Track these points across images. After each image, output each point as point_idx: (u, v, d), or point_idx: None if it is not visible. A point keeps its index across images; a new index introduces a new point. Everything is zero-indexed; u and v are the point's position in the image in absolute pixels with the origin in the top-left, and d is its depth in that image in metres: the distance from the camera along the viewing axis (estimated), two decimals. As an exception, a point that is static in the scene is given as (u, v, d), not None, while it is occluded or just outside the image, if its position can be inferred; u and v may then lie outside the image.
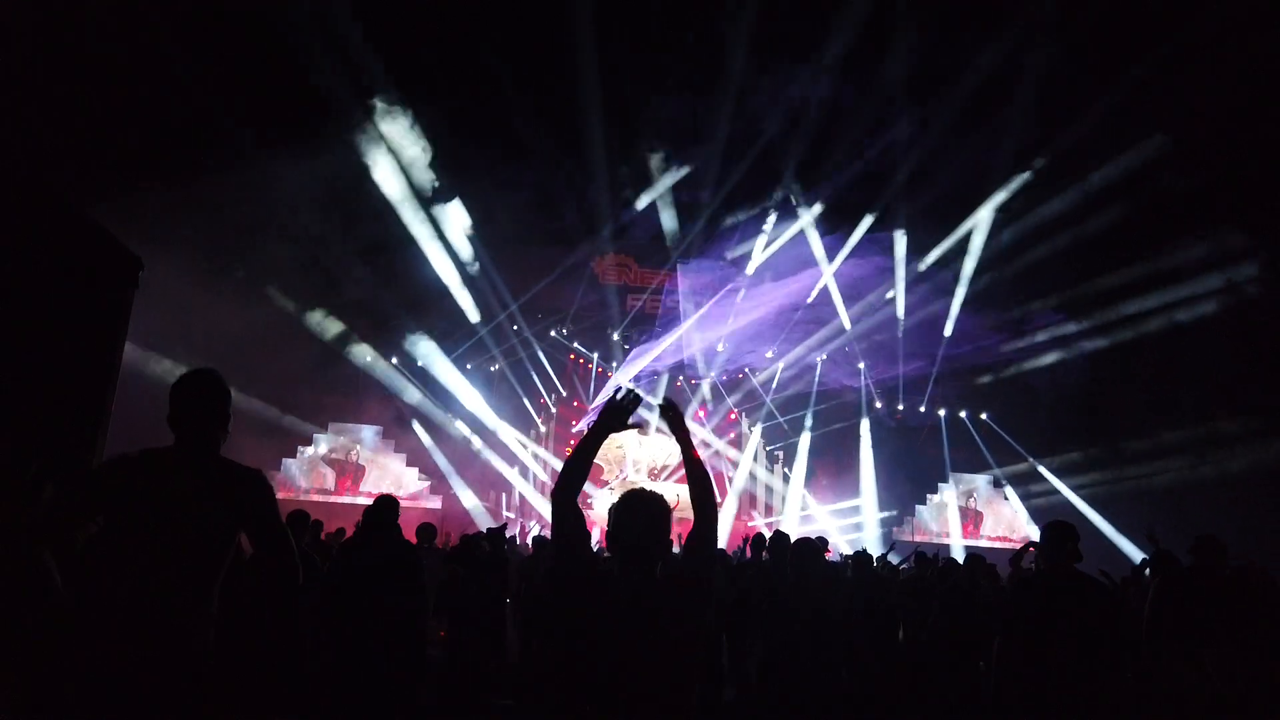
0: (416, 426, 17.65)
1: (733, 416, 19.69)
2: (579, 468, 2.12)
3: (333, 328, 16.18)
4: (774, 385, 19.31)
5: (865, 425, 19.11)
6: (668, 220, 17.58)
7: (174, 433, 2.13)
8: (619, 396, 2.23)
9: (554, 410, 19.11)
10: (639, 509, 2.00)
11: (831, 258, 17.27)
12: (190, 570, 2.00)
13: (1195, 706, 3.65)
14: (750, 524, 17.91)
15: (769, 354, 19.06)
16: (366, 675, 3.94)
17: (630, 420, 2.23)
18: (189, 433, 2.11)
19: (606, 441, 2.25)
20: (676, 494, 2.99)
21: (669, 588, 1.94)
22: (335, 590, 4.16)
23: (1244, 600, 3.96)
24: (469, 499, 17.27)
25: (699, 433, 18.61)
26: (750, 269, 17.83)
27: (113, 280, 4.15)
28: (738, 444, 19.52)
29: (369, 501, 4.51)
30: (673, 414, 2.26)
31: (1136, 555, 15.69)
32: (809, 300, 17.79)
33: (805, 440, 18.98)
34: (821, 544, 5.39)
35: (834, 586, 4.64)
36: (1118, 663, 3.33)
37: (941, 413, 19.59)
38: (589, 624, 1.85)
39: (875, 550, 11.19)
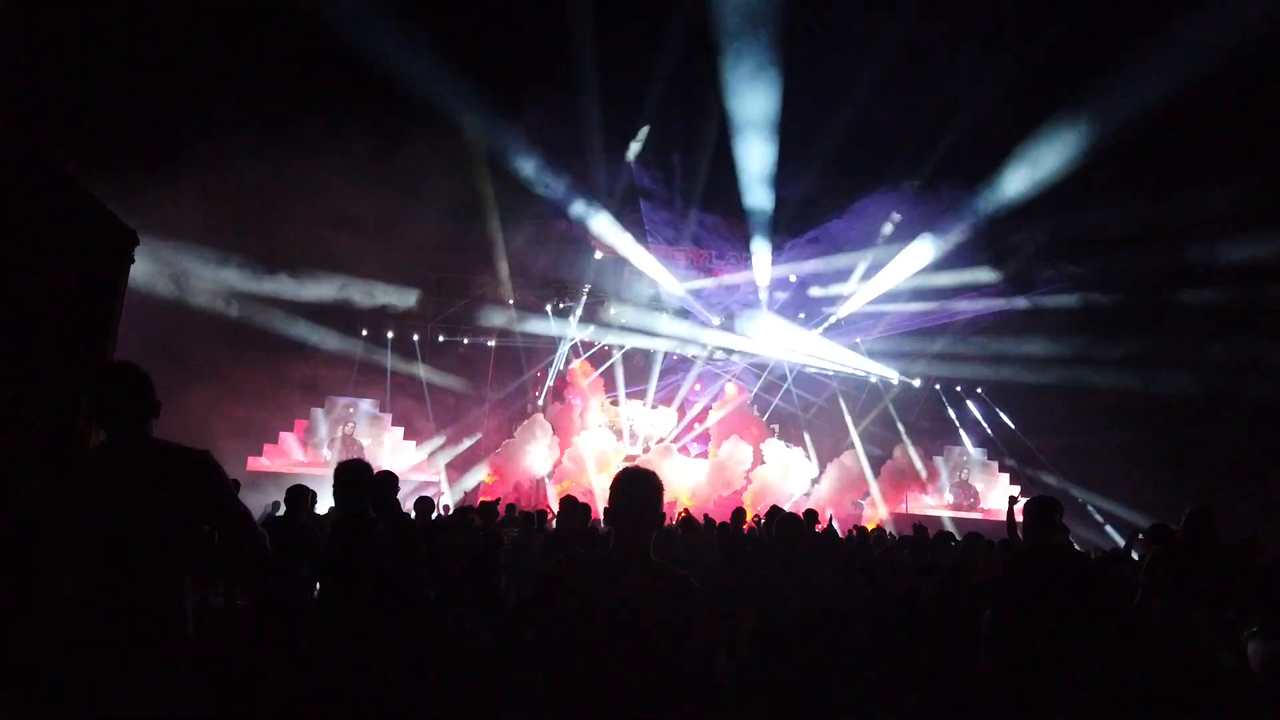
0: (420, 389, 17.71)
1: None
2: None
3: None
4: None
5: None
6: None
7: (104, 428, 2.08)
8: None
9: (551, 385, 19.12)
10: (631, 482, 2.08)
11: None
12: (146, 564, 1.96)
13: (1189, 664, 3.75)
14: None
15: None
16: (361, 653, 3.92)
17: None
18: (120, 426, 2.07)
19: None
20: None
21: (664, 578, 1.98)
22: (332, 567, 4.12)
23: (1242, 569, 4.07)
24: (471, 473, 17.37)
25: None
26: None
27: (108, 254, 4.13)
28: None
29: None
30: None
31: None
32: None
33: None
34: (811, 517, 5.40)
35: (826, 562, 4.60)
36: (1102, 633, 3.40)
37: (937, 387, 19.70)
38: (585, 605, 1.92)
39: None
